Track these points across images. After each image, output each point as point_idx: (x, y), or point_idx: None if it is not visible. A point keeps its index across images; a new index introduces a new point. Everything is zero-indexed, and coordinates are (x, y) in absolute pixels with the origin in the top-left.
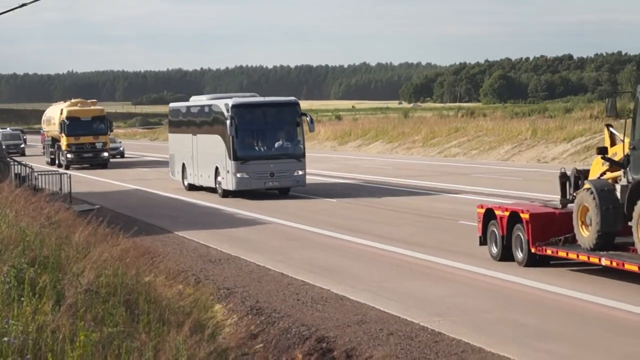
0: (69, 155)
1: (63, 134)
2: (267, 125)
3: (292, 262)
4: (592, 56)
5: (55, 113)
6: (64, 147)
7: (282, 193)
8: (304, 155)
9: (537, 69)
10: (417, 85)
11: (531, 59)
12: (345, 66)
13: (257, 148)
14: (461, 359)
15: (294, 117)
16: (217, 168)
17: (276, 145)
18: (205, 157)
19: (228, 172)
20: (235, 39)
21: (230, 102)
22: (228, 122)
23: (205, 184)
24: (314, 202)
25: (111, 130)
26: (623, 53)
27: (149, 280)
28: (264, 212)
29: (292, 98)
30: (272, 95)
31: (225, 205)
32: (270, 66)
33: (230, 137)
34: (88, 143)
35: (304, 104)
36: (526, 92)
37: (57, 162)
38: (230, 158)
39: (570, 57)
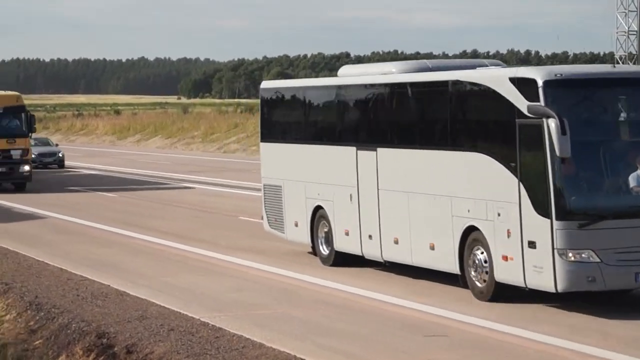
0: None
1: None
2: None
3: (71, 257)
4: (369, 54)
5: None
6: None
7: None
8: None
9: (314, 66)
10: (196, 80)
11: (309, 55)
12: (124, 60)
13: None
14: (242, 354)
15: None
16: (468, 234)
17: None
18: (429, 207)
19: (535, 247)
20: (10, 29)
21: (539, 72)
22: (550, 124)
23: (422, 262)
24: (91, 195)
25: (33, 130)
26: (399, 51)
27: None
28: (41, 207)
29: None
30: None
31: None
32: (47, 59)
33: (551, 161)
34: None
35: (81, 99)
36: None
37: None
38: (545, 212)
39: (347, 54)
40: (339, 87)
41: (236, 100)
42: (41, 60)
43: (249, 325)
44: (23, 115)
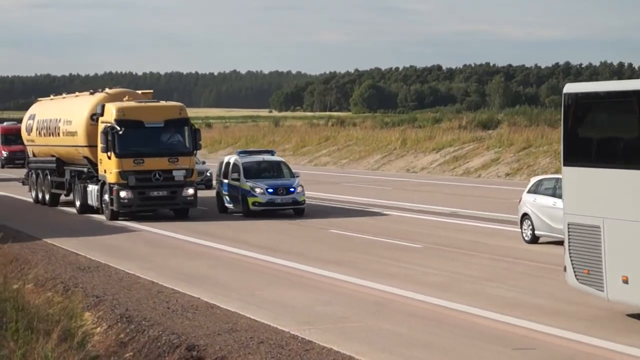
0: (124, 196)
1: (111, 153)
2: None
3: (162, 270)
4: (461, 67)
5: (71, 112)
6: (111, 177)
7: None
8: None
9: (406, 79)
10: (288, 93)
11: (401, 68)
12: (216, 74)
13: None
14: None
15: None
16: None
17: None
18: None
19: None
20: (104, 44)
21: None
22: None
23: None
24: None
25: (199, 147)
26: (491, 64)
27: (17, 287)
28: (133, 219)
29: None
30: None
31: (95, 212)
32: (140, 73)
33: None
34: (159, 170)
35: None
36: (396, 102)
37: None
38: None
39: (439, 67)
40: None
41: (327, 113)
42: (133, 73)
43: (339, 338)
44: (187, 129)
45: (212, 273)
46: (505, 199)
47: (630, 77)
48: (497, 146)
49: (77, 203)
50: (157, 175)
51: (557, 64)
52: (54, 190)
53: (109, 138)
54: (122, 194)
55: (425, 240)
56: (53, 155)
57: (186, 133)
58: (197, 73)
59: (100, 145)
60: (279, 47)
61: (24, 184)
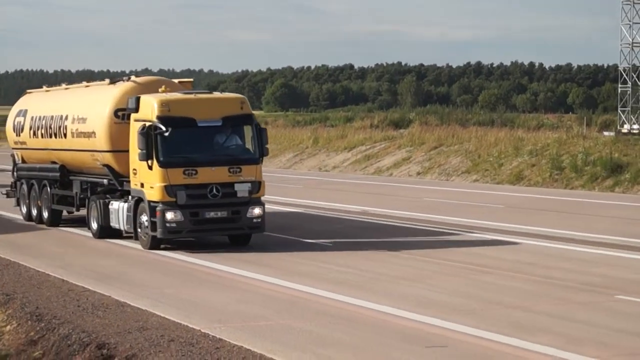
0: (171, 219)
1: (152, 161)
2: None
3: (73, 269)
4: (373, 66)
5: (85, 107)
6: (153, 194)
7: None
8: None
9: (318, 77)
10: None
11: (313, 67)
12: (127, 71)
13: None
14: None
15: None
16: None
17: None
18: None
19: None
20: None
21: None
22: None
23: None
24: None
25: (266, 152)
26: (403, 64)
27: None
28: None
29: None
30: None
31: (3, 210)
32: (51, 71)
33: None
34: (217, 184)
35: None
36: (308, 100)
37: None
38: None
39: (351, 66)
40: None
41: None
42: (44, 71)
43: (250, 336)
44: (251, 128)
45: (123, 271)
46: (416, 197)
47: (540, 77)
48: (408, 145)
49: (94, 225)
50: (214, 191)
51: (468, 63)
52: (55, 206)
53: (150, 141)
54: (169, 215)
55: (336, 237)
56: (54, 162)
57: (250, 134)
58: (108, 71)
59: (137, 152)
60: (191, 46)
61: (8, 195)
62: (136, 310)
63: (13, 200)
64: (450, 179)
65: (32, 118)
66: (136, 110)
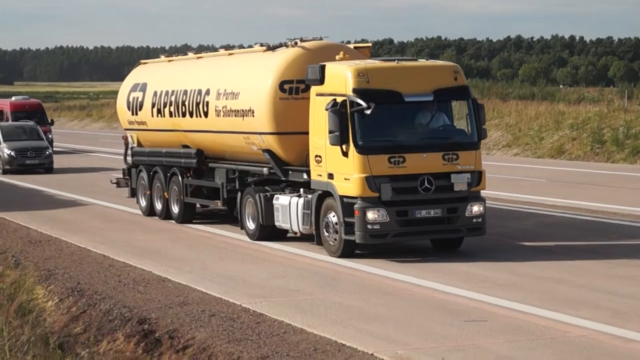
0: (374, 219)
1: (349, 146)
2: None
3: (114, 244)
4: (412, 40)
5: (236, 79)
6: (348, 187)
7: None
8: None
9: None
10: None
11: (352, 42)
12: (167, 48)
13: None
14: (283, 340)
15: None
16: None
17: None
18: None
19: None
20: (53, 18)
21: None
22: None
23: None
24: None
25: (484, 134)
26: (443, 38)
27: None
28: (83, 193)
29: None
30: None
31: (46, 186)
32: (90, 47)
33: None
34: (429, 175)
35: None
36: None
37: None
38: None
39: (390, 41)
40: None
41: None
42: (84, 47)
43: (291, 310)
44: (467, 104)
45: (163, 246)
46: None
47: (581, 51)
48: None
49: (249, 224)
50: (426, 183)
51: (508, 37)
52: (188, 199)
53: (345, 121)
54: (371, 215)
55: None
56: (185, 146)
57: (466, 111)
58: (148, 47)
59: (319, 133)
60: (230, 21)
61: (119, 185)
62: (177, 285)
63: (96, 183)
64: (490, 153)
65: (154, 93)
66: (320, 81)
